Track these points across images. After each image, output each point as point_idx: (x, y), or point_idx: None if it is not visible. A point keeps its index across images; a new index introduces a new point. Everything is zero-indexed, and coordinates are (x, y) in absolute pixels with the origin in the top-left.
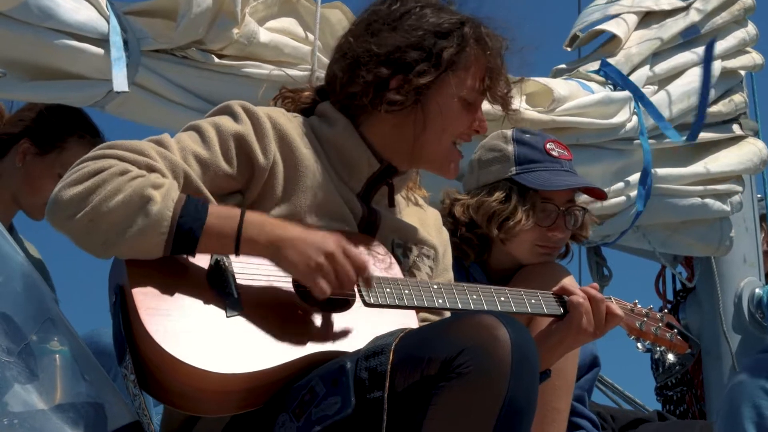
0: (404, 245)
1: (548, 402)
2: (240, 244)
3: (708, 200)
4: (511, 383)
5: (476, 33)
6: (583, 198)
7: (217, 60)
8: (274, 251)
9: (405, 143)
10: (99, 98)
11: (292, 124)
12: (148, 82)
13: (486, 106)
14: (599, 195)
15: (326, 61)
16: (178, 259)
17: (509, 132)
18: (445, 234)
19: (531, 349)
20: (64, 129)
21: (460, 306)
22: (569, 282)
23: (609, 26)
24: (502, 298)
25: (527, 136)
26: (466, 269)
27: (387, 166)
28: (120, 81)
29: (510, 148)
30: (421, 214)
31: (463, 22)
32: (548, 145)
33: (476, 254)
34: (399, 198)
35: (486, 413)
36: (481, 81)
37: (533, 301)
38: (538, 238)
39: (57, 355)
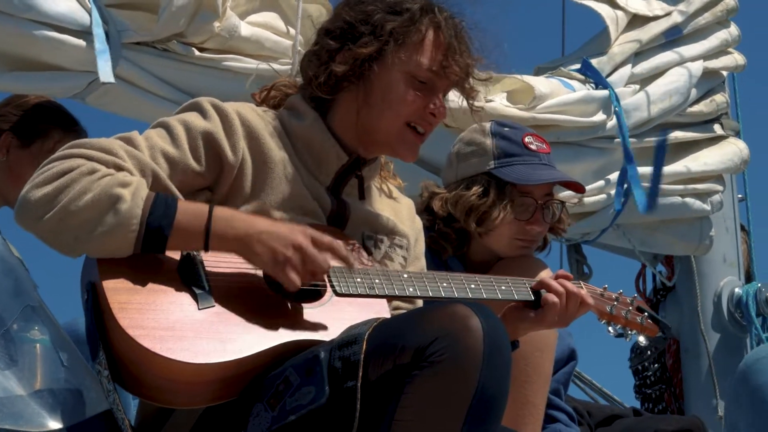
0: (375, 237)
1: (524, 396)
2: (209, 240)
3: (688, 199)
4: (483, 372)
5: (431, 14)
6: (566, 193)
7: (198, 53)
8: (243, 247)
9: (356, 120)
10: (79, 90)
11: (261, 119)
12: (129, 75)
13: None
14: (577, 188)
15: None
16: (149, 254)
17: (488, 125)
18: (418, 223)
19: (503, 339)
20: (44, 119)
21: (430, 294)
22: (546, 276)
23: (602, 10)
24: (473, 286)
25: (506, 129)
26: (445, 263)
27: (356, 159)
28: (105, 72)
29: (488, 141)
30: (394, 205)
31: (422, 6)
32: (526, 139)
33: (454, 248)
34: (372, 189)
35: (458, 401)
36: (438, 62)
37: (503, 287)
38: (516, 231)
39: (37, 345)
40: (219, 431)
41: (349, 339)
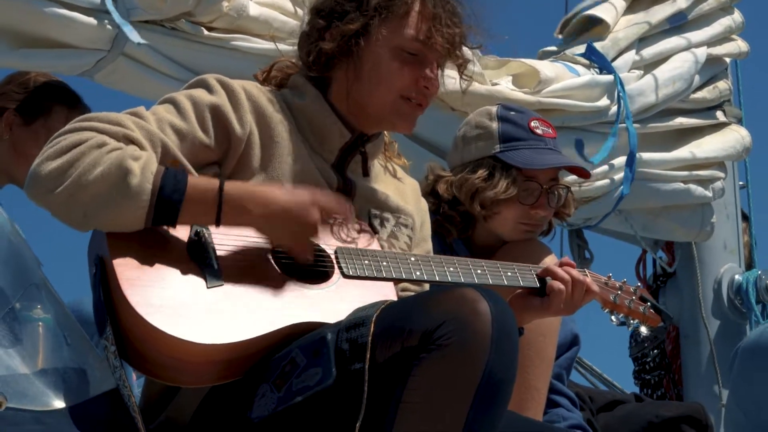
0: (381, 215)
1: (527, 381)
2: (221, 215)
3: (691, 185)
4: (491, 356)
5: None
6: (570, 178)
7: (206, 32)
8: (256, 224)
9: (348, 95)
10: (88, 67)
11: (265, 96)
12: (138, 53)
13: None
14: (582, 174)
15: None
16: (159, 230)
17: (494, 109)
18: (424, 204)
19: (511, 323)
20: (47, 96)
21: (437, 278)
22: (551, 261)
23: (598, 11)
24: (479, 271)
25: (512, 113)
26: (449, 246)
27: (359, 135)
28: (134, 35)
29: (494, 125)
30: (398, 185)
31: None
32: (532, 123)
33: (459, 231)
34: (377, 168)
35: (465, 385)
36: (424, 33)
37: (509, 273)
38: (521, 215)
39: (40, 323)
40: (224, 412)
41: (356, 321)
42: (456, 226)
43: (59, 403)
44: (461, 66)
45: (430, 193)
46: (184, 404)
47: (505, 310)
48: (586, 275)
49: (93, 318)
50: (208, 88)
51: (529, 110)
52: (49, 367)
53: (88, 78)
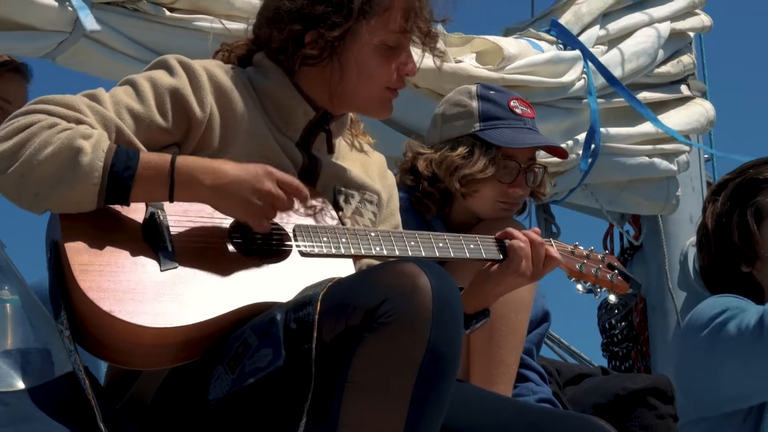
0: (345, 191)
1: (499, 356)
2: (174, 190)
3: (656, 159)
4: (433, 331)
5: None
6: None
7: (168, 13)
8: (210, 196)
9: (332, 92)
10: (50, 49)
11: (228, 75)
12: (99, 35)
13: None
14: (560, 154)
15: None
16: (113, 213)
17: (474, 87)
18: (391, 178)
19: (453, 295)
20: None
21: (397, 253)
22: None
23: None
24: (440, 244)
25: (492, 92)
26: (427, 222)
27: (323, 114)
28: (89, 22)
29: (474, 104)
30: (364, 159)
31: None
32: (512, 103)
33: (438, 208)
34: (343, 144)
35: (409, 361)
36: (402, 21)
37: (472, 246)
38: (499, 194)
39: (8, 304)
40: (183, 392)
41: (304, 300)
42: (435, 203)
43: (23, 384)
44: (432, 45)
45: (409, 170)
46: (147, 384)
47: (446, 283)
48: (551, 245)
49: None
50: (169, 70)
51: (508, 90)
52: (14, 348)
53: (49, 60)
